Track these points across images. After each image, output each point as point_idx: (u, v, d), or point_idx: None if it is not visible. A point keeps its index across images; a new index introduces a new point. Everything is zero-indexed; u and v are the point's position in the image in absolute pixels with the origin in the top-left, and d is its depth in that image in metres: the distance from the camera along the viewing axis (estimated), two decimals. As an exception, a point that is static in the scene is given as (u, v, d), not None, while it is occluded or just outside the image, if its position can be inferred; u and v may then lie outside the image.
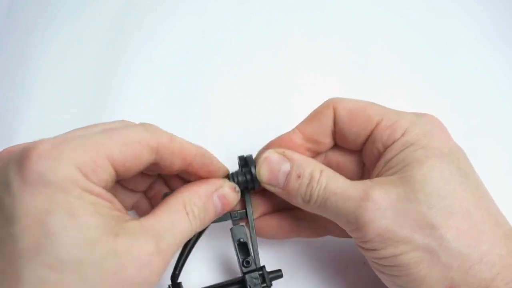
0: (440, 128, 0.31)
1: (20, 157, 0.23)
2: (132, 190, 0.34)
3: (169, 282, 0.32)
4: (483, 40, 0.52)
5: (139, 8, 0.55)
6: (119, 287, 0.23)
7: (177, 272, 0.31)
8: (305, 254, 0.38)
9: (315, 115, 0.33)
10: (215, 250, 0.38)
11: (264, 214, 0.35)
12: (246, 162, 0.33)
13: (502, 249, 0.27)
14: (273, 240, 0.37)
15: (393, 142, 0.30)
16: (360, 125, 0.31)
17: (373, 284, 0.32)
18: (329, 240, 0.37)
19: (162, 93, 0.48)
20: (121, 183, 0.33)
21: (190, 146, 0.29)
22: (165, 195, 0.30)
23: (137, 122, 0.29)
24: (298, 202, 0.31)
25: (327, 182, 0.29)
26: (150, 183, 0.34)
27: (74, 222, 0.22)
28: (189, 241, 0.32)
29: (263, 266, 0.31)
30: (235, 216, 0.33)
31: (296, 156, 0.31)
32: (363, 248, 0.29)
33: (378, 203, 0.27)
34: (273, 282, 0.32)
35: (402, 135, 0.30)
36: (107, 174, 0.25)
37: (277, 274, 0.32)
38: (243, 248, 0.32)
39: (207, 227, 0.31)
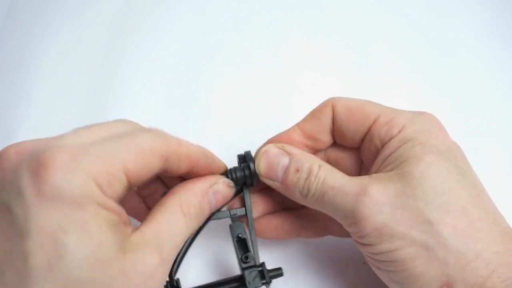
0: (438, 126, 0.31)
1: (35, 166, 0.22)
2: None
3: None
4: (483, 40, 0.52)
5: (139, 8, 0.55)
6: None
7: (174, 269, 0.31)
8: (304, 253, 0.38)
9: (314, 113, 0.33)
10: (213, 247, 0.38)
11: (264, 214, 0.35)
12: (244, 159, 0.33)
13: (499, 247, 0.27)
14: (273, 240, 0.37)
15: (391, 139, 0.30)
16: (358, 122, 0.32)
17: (373, 284, 0.32)
18: (329, 239, 0.37)
19: (162, 93, 0.48)
20: None
21: (195, 149, 0.29)
22: (164, 194, 0.30)
23: (137, 121, 0.29)
24: (296, 196, 0.31)
25: (325, 177, 0.29)
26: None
27: (88, 241, 0.22)
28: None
29: (263, 263, 0.31)
30: (234, 214, 0.33)
31: (295, 150, 0.32)
32: (360, 243, 0.29)
33: (375, 199, 0.27)
34: (273, 281, 0.32)
35: (400, 131, 0.30)
36: (121, 186, 0.24)
37: (278, 272, 0.32)
38: (242, 244, 0.32)
39: (205, 224, 0.31)
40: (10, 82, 0.49)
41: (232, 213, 0.33)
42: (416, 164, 0.28)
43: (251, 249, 0.32)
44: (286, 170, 0.31)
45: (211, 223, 0.32)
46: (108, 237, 0.22)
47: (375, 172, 0.30)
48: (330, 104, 0.33)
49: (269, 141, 0.34)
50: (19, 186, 0.21)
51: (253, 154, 0.33)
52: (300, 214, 0.35)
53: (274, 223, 0.35)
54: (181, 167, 0.28)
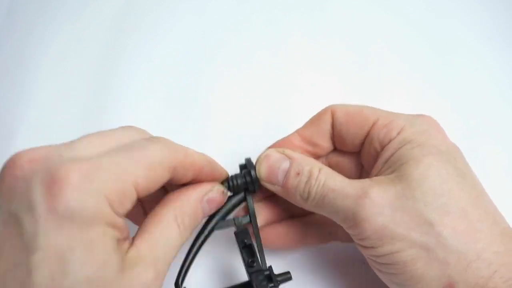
0: (436, 128, 0.31)
1: (49, 182, 0.22)
2: None
3: None
4: (483, 40, 0.52)
5: (139, 8, 0.55)
6: None
7: (180, 280, 0.31)
8: (305, 254, 0.38)
9: (314, 119, 0.34)
10: (218, 255, 0.38)
11: (269, 224, 0.35)
12: (246, 166, 0.33)
13: (499, 247, 0.27)
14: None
15: (390, 141, 0.30)
16: (357, 126, 0.32)
17: (373, 284, 0.32)
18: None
19: (162, 93, 0.48)
20: None
21: (199, 157, 0.29)
22: None
23: (137, 121, 0.29)
24: (296, 199, 0.31)
25: (325, 179, 0.30)
26: None
27: (92, 261, 0.22)
28: (192, 248, 0.31)
29: (270, 266, 0.31)
30: (239, 222, 0.33)
31: (295, 154, 0.32)
32: (360, 245, 0.29)
33: (376, 201, 0.27)
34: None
35: (399, 133, 0.30)
36: (131, 202, 0.24)
37: (286, 276, 0.31)
38: (248, 250, 0.32)
39: (210, 234, 0.31)
40: (10, 82, 0.49)
41: (237, 222, 0.33)
42: (415, 166, 0.28)
43: (257, 254, 0.31)
44: (287, 173, 0.31)
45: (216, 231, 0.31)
46: (110, 256, 0.23)
47: (376, 175, 0.30)
48: (329, 111, 0.33)
49: (269, 148, 0.34)
50: (31, 200, 0.21)
51: (253, 160, 0.33)
52: (304, 221, 0.35)
53: (279, 232, 0.35)
54: (187, 176, 0.28)
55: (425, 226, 0.27)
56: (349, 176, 0.30)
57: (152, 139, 0.27)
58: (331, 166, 0.34)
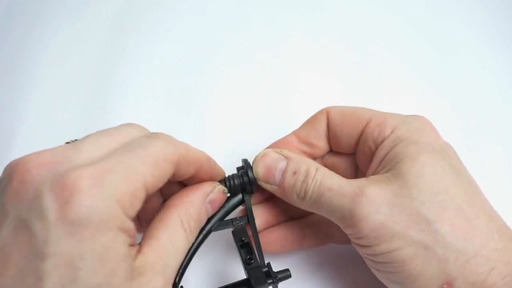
0: (429, 126, 0.31)
1: (59, 189, 0.21)
2: None
3: None
4: (483, 40, 0.52)
5: (139, 8, 0.55)
6: None
7: (177, 280, 0.30)
8: (304, 254, 0.38)
9: (310, 121, 0.35)
10: (216, 255, 0.38)
11: (267, 226, 0.35)
12: (242, 167, 0.33)
13: (496, 243, 0.27)
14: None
15: (384, 139, 0.31)
16: (351, 125, 0.32)
17: (373, 284, 0.32)
18: (329, 240, 0.36)
19: (162, 93, 0.48)
20: None
21: (200, 153, 0.29)
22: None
23: (137, 121, 0.29)
24: (293, 199, 0.31)
25: (322, 179, 0.30)
26: None
27: (103, 269, 0.22)
28: (190, 248, 0.31)
29: (268, 263, 0.31)
30: (237, 223, 0.32)
31: (292, 154, 0.32)
32: (358, 244, 0.29)
33: (373, 199, 0.27)
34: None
35: (392, 131, 0.31)
36: (140, 202, 0.24)
37: (285, 274, 0.31)
38: (246, 248, 0.32)
39: (208, 235, 0.31)
40: (9, 82, 0.49)
41: (234, 222, 0.32)
42: (411, 163, 0.28)
43: (255, 252, 0.31)
44: (284, 173, 0.31)
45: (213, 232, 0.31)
46: (120, 264, 0.23)
47: (372, 175, 0.30)
48: (325, 112, 0.34)
49: (267, 148, 0.34)
50: (42, 207, 0.21)
51: (250, 161, 0.33)
52: (302, 223, 0.35)
53: (278, 235, 0.35)
54: (189, 172, 0.28)
55: (423, 224, 0.27)
56: (345, 177, 0.30)
57: (152, 136, 0.27)
58: (327, 167, 0.34)
